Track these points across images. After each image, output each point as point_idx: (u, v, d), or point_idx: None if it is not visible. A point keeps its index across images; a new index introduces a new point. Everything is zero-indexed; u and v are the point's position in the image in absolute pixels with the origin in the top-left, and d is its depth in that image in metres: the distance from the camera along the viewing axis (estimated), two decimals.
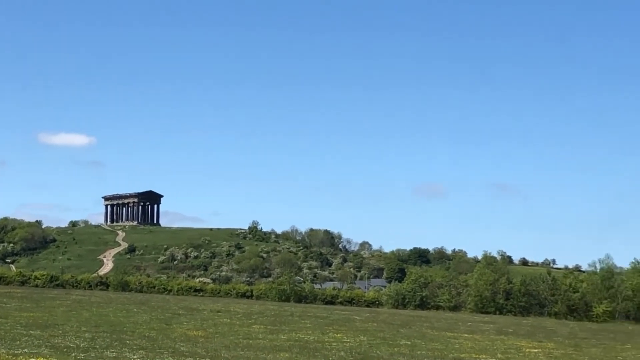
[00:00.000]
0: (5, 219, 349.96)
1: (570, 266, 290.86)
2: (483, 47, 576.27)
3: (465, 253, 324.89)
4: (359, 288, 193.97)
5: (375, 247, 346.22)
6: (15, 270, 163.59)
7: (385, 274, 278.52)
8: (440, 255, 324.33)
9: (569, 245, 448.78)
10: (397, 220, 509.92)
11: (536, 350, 53.55)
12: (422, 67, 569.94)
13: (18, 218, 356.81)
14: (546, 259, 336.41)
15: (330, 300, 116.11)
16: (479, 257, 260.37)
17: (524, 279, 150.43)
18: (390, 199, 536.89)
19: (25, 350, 34.72)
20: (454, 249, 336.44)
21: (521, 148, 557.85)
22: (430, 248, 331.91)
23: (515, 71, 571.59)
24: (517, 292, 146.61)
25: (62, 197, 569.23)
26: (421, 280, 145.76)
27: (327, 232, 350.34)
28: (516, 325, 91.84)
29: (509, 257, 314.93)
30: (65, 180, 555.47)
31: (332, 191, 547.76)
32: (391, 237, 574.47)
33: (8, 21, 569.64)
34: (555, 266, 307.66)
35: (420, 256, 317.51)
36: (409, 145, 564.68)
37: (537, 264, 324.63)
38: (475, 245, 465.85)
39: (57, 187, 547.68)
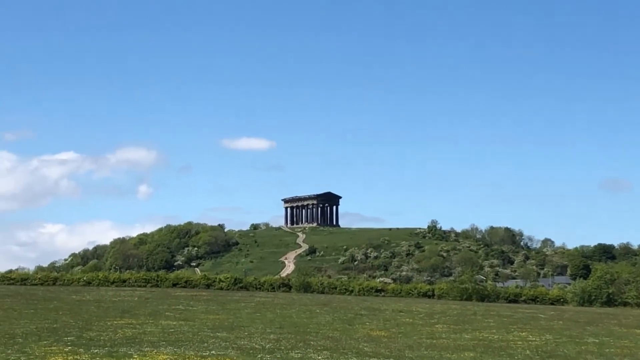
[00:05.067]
0: (190, 223, 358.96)
1: None
2: None
3: None
4: (543, 286, 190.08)
5: (558, 243, 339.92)
6: (200, 273, 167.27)
7: (569, 271, 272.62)
8: (626, 250, 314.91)
9: None
10: (580, 216, 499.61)
11: None
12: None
13: (202, 222, 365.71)
14: None
15: (514, 299, 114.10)
16: None
17: None
18: (572, 194, 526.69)
19: (213, 352, 35.24)
20: None
21: None
22: (615, 244, 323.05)
23: None
24: None
25: (244, 200, 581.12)
26: (607, 276, 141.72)
27: (507, 229, 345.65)
28: None
29: None
30: (247, 183, 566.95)
31: (512, 188, 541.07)
32: (574, 234, 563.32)
33: (183, 32, 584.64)
34: None
35: (605, 252, 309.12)
36: (592, 140, 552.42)
37: None
38: None
39: (239, 190, 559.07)
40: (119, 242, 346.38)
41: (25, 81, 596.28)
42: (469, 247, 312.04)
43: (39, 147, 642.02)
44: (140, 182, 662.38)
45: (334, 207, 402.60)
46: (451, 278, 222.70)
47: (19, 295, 69.16)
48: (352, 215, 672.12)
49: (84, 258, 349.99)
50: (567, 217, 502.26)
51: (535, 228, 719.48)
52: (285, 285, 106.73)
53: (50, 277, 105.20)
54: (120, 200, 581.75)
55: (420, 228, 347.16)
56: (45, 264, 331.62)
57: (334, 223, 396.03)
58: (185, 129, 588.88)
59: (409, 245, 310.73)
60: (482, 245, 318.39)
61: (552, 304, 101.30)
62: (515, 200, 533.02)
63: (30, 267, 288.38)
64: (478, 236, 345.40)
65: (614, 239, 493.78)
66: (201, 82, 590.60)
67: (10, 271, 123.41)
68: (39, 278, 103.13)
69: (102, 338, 39.49)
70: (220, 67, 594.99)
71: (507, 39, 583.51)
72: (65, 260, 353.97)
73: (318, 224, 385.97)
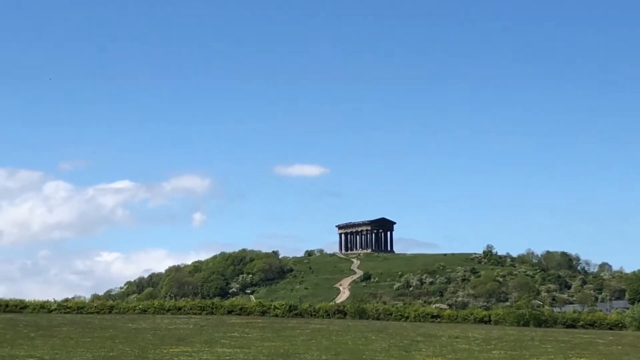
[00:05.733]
0: (244, 250, 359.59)
1: None
2: None
3: None
4: (600, 310, 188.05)
5: (615, 267, 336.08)
6: (254, 300, 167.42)
7: (627, 295, 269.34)
8: None
9: None
10: (637, 240, 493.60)
11: None
12: None
13: (256, 249, 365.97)
14: None
15: (571, 324, 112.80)
16: None
17: None
18: (630, 217, 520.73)
19: None
20: None
21: None
22: None
23: None
24: None
25: (298, 227, 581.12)
26: None
27: (564, 254, 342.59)
28: None
29: None
30: (301, 210, 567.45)
31: (568, 212, 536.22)
32: (632, 257, 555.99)
33: (234, 60, 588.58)
34: None
35: None
36: None
37: None
38: None
39: (293, 217, 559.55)
40: (174, 270, 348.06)
41: (79, 111, 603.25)
42: (525, 272, 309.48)
43: (94, 176, 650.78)
44: (195, 209, 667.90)
45: (389, 233, 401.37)
46: (507, 303, 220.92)
47: (75, 324, 69.60)
48: (406, 240, 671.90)
49: (139, 286, 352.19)
50: (624, 241, 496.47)
51: (592, 252, 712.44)
52: (341, 312, 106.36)
53: (106, 305, 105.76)
54: (175, 228, 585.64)
55: (475, 253, 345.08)
56: (101, 292, 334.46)
57: (389, 249, 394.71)
58: (238, 157, 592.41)
59: (465, 271, 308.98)
60: (538, 270, 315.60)
61: (610, 328, 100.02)
62: (571, 224, 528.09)
63: (86, 295, 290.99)
64: (534, 261, 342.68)
65: None
66: (254, 109, 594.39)
67: (67, 300, 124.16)
68: (95, 306, 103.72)
69: None
70: (272, 93, 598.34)
71: (573, 52, 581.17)
72: (121, 288, 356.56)
73: (372, 250, 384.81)
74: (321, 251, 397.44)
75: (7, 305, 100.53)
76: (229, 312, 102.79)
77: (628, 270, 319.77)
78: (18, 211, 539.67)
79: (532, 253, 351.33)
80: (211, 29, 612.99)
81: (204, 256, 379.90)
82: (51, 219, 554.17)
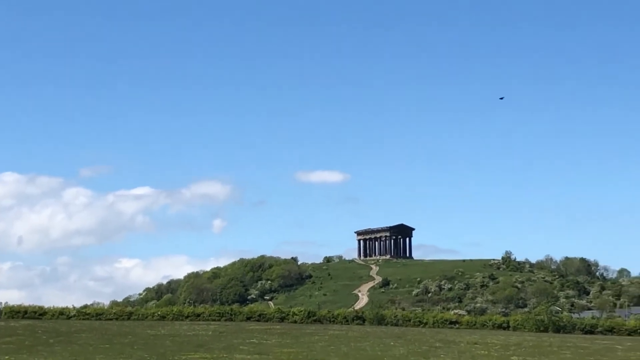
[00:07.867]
0: (263, 257, 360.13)
1: None
2: None
3: None
4: (619, 316, 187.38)
5: (634, 273, 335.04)
6: (273, 307, 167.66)
7: None
8: None
9: None
10: None
11: None
12: None
13: (275, 256, 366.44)
14: None
15: (590, 330, 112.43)
16: None
17: None
18: None
19: None
20: None
21: None
22: None
23: None
24: None
25: (317, 233, 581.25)
26: None
27: (583, 260, 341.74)
28: None
29: None
30: (321, 216, 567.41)
31: (587, 218, 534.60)
32: None
33: (253, 67, 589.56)
34: None
35: None
36: None
37: None
38: None
39: (313, 224, 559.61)
40: (193, 277, 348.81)
41: (100, 117, 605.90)
42: (544, 278, 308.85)
43: (114, 182, 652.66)
44: (215, 216, 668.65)
45: (407, 239, 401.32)
46: (526, 309, 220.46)
47: (94, 330, 69.83)
48: (427, 247, 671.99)
49: (158, 292, 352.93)
50: None
51: (611, 258, 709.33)
52: (359, 318, 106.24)
53: (125, 311, 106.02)
54: (195, 234, 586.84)
55: (494, 259, 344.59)
56: (120, 299, 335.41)
57: (408, 255, 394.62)
58: (259, 163, 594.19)
59: (483, 277, 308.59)
60: (557, 276, 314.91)
61: (629, 334, 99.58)
62: (590, 230, 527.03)
63: (106, 302, 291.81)
64: (553, 267, 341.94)
65: None
66: (274, 115, 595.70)
67: (86, 306, 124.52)
68: (114, 313, 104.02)
69: None
70: (293, 99, 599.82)
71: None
72: (140, 294, 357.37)
73: (391, 256, 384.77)
74: (340, 257, 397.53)
75: (26, 312, 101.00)
76: (248, 319, 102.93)
77: None
78: (38, 217, 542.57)
79: (551, 259, 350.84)
80: (234, 36, 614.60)
81: (224, 262, 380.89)
82: (71, 226, 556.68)
